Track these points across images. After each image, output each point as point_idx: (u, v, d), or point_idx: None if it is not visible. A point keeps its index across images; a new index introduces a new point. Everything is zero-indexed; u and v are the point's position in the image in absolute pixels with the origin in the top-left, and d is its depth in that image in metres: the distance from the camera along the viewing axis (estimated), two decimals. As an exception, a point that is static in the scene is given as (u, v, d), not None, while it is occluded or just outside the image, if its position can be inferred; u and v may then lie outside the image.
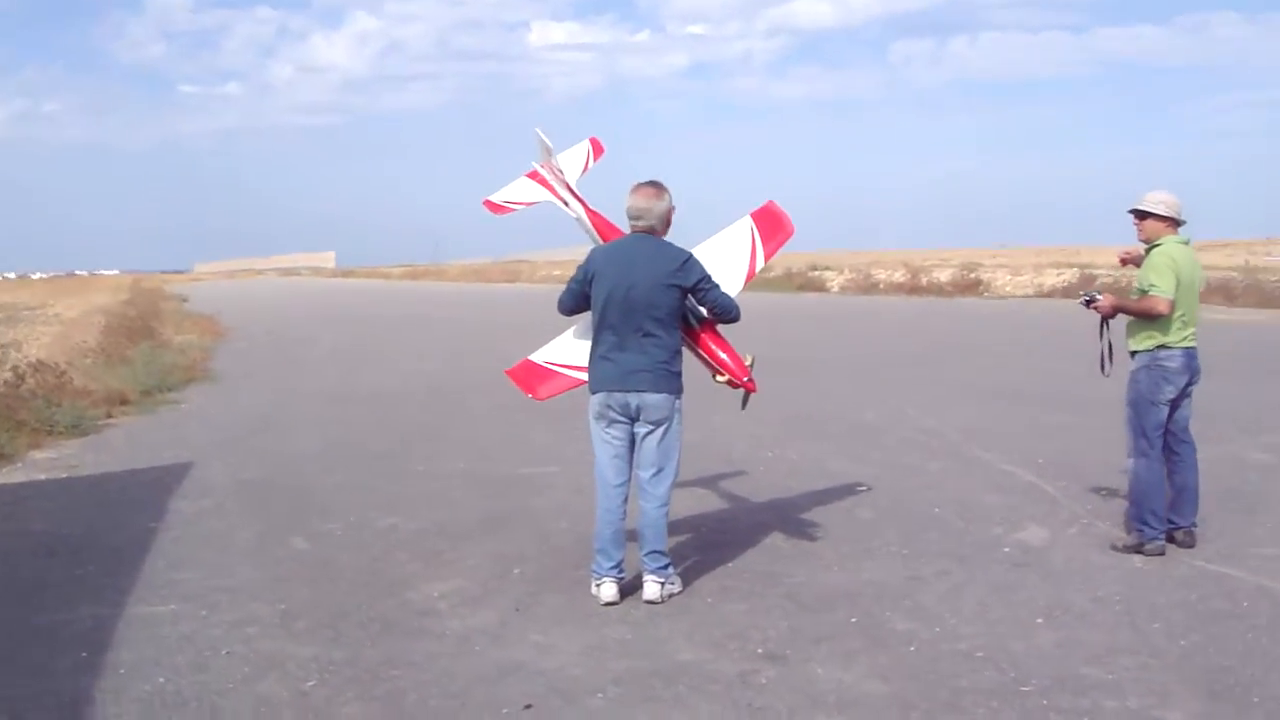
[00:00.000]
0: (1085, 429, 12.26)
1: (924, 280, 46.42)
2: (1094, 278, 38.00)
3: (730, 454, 11.11)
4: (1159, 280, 7.38)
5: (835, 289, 50.02)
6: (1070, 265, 45.36)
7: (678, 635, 6.27)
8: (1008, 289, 42.12)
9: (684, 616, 6.57)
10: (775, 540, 8.14)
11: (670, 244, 6.89)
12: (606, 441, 6.86)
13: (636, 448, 6.86)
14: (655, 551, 6.88)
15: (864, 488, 9.65)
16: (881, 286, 48.20)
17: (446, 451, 11.74)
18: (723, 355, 7.12)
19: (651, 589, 6.82)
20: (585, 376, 7.02)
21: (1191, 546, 7.62)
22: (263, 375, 19.51)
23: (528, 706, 5.36)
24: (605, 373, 6.74)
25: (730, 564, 7.57)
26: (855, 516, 8.74)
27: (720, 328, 7.20)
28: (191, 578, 7.49)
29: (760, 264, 7.88)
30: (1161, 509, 7.52)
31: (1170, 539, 7.58)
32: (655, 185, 6.88)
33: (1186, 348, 7.52)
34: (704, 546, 7.97)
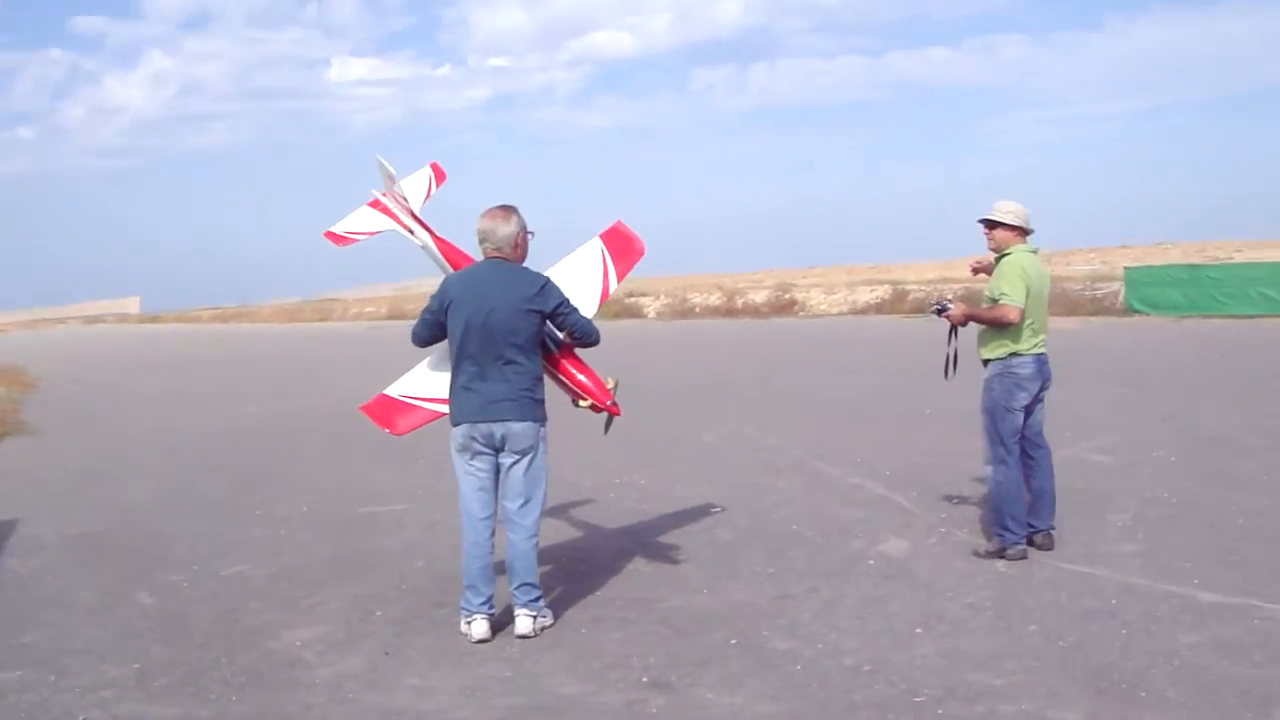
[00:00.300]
0: (923, 440, 12.45)
1: (739, 302, 46.90)
2: (907, 292, 38.99)
3: (578, 483, 10.90)
4: (1009, 289, 7.47)
5: (652, 314, 50.21)
6: (881, 282, 46.29)
7: (558, 669, 6.07)
8: (823, 307, 42.78)
9: (560, 649, 6.37)
10: (639, 566, 7.99)
11: (526, 269, 6.72)
12: (471, 474, 6.63)
13: (502, 478, 6.66)
14: (526, 584, 6.66)
15: (718, 509, 9.57)
16: (698, 310, 48.49)
17: (285, 494, 11.28)
18: (584, 379, 6.96)
19: (524, 623, 6.60)
20: (444, 409, 6.82)
21: (1050, 549, 7.72)
22: (81, 425, 18.52)
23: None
24: (468, 404, 6.53)
25: (598, 592, 7.39)
26: (715, 538, 8.64)
27: (579, 352, 7.04)
28: (35, 641, 6.98)
29: (614, 285, 7.75)
30: (1021, 514, 7.61)
31: (1030, 542, 7.66)
32: (504, 208, 6.69)
33: (1038, 354, 7.65)
34: (568, 576, 7.78)
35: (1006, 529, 7.57)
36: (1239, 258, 37.21)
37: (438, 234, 7.71)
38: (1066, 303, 31.16)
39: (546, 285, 6.62)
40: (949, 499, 9.36)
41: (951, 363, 8.12)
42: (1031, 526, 7.70)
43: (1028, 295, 7.49)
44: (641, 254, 7.96)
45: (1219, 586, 6.86)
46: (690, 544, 8.47)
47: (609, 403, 6.97)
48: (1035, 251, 7.74)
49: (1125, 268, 31.87)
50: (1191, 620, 6.31)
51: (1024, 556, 7.53)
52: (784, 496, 9.96)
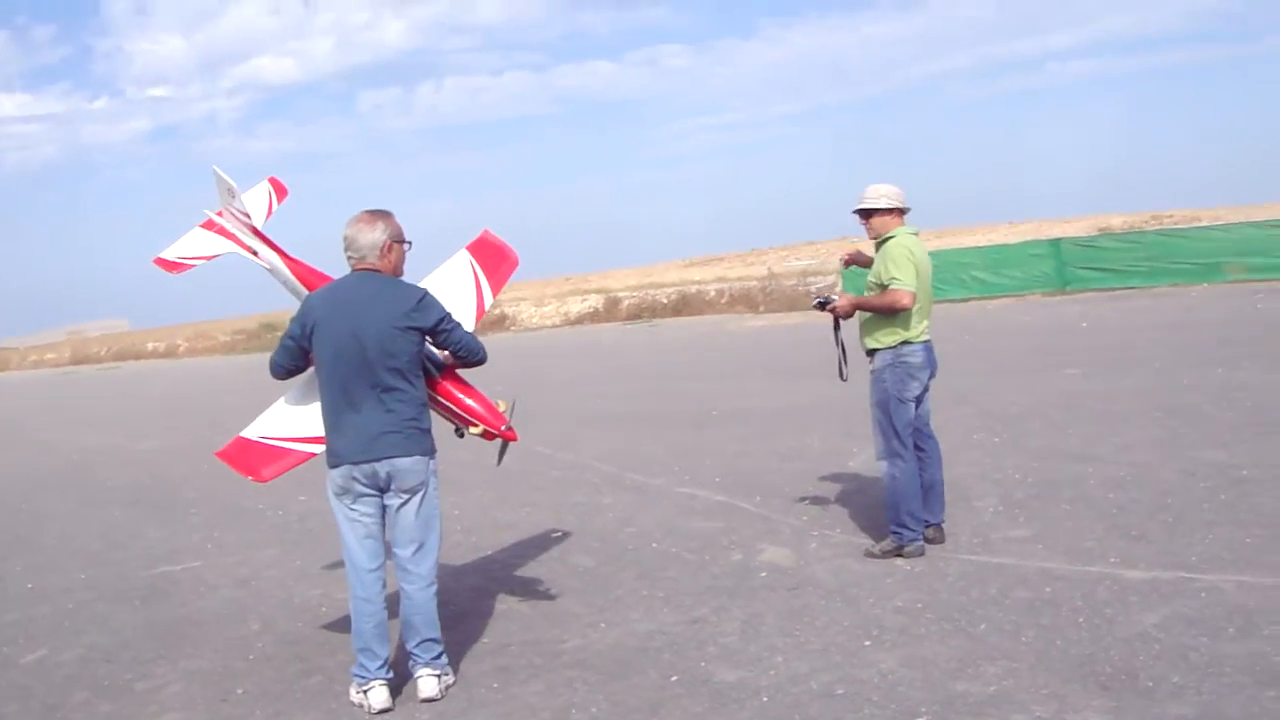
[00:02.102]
0: (729, 442, 12.09)
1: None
2: (620, 300, 38.94)
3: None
4: (900, 273, 7.06)
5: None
6: (589, 291, 46.26)
7: (492, 735, 5.24)
8: (535, 320, 42.41)
9: (480, 710, 5.54)
10: (510, 605, 7.20)
11: (400, 281, 5.79)
12: (355, 520, 5.66)
13: (390, 522, 5.72)
14: (428, 640, 5.74)
15: (559, 533, 8.86)
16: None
17: (49, 561, 9.86)
18: (472, 403, 6.17)
19: (429, 684, 5.69)
20: (313, 449, 5.96)
21: (942, 542, 7.40)
22: None
23: None
24: (345, 443, 5.58)
25: (483, 639, 6.57)
26: (575, 565, 7.93)
27: (461, 373, 6.22)
28: None
29: (489, 300, 7.04)
30: (919, 509, 7.21)
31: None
32: (371, 213, 5.77)
33: (926, 341, 7.29)
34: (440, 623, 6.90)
35: (904, 526, 7.16)
36: (936, 244, 38.73)
37: (287, 253, 6.74)
38: (786, 299, 31.70)
39: (425, 298, 5.71)
40: (799, 500, 8.96)
41: (843, 360, 7.65)
42: (925, 521, 7.30)
43: (917, 278, 7.09)
44: (515, 264, 7.31)
45: (1139, 563, 6.65)
46: (552, 574, 7.74)
47: (503, 428, 6.18)
48: (916, 233, 7.34)
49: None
50: (1138, 601, 6.03)
51: (922, 553, 7.16)
52: (622, 513, 9.32)
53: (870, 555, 7.25)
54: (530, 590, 7.42)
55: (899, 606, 6.33)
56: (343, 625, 6.56)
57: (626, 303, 39.47)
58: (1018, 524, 7.72)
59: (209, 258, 7.25)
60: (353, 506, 5.65)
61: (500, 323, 43.27)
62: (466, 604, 7.26)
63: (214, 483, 12.47)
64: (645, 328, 34.44)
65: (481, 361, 5.98)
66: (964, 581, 6.63)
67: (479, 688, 5.80)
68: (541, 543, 8.63)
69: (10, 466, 17.01)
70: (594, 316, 39.57)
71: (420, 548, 5.73)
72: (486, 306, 7.04)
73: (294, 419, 6.11)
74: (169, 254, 7.30)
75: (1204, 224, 33.98)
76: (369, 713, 5.59)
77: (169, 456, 15.90)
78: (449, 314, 5.81)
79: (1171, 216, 49.00)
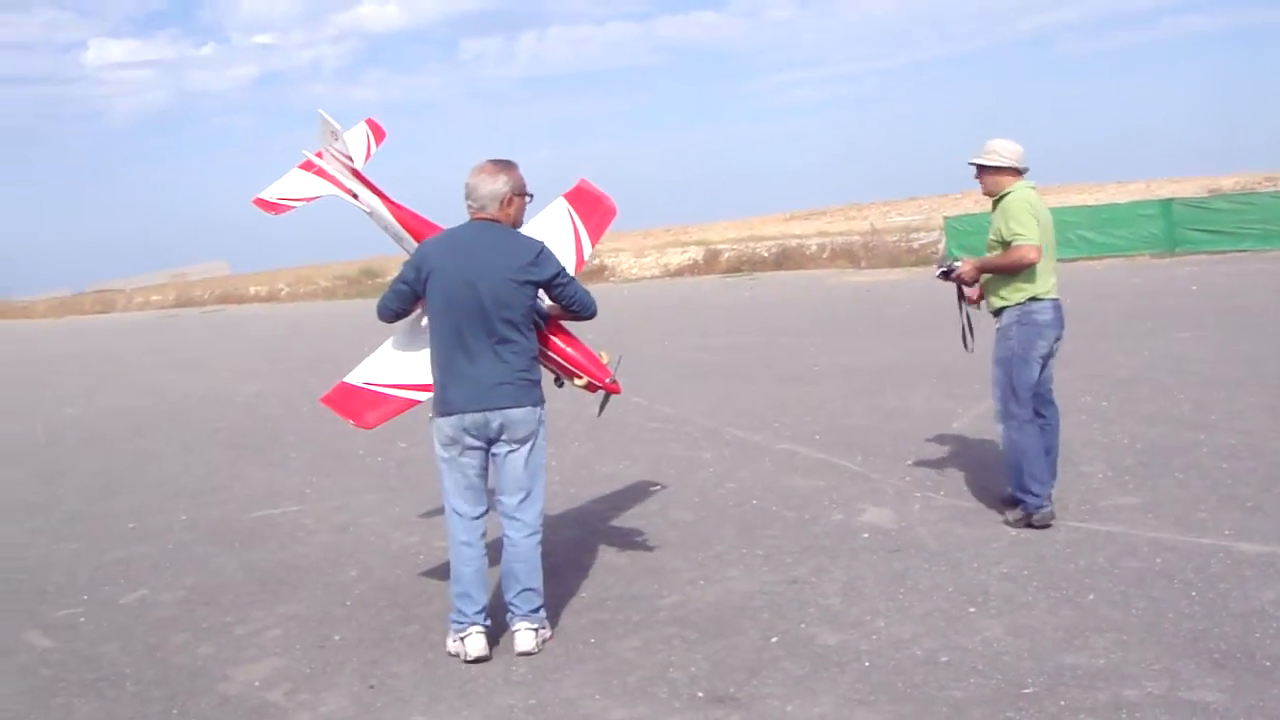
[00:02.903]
0: (830, 399, 11.98)
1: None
2: (720, 253, 38.72)
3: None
4: (1022, 228, 6.85)
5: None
6: (689, 243, 46.03)
7: (590, 690, 5.21)
8: (635, 271, 42.33)
9: (579, 666, 5.51)
10: (609, 558, 7.18)
11: (518, 233, 5.79)
12: (460, 471, 5.67)
13: (497, 471, 5.74)
14: (529, 590, 5.73)
15: (658, 486, 8.83)
16: (505, 282, 47.58)
17: (151, 501, 10.04)
18: (578, 355, 6.17)
19: (526, 638, 5.67)
20: (418, 395, 6.02)
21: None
22: None
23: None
24: (458, 392, 5.59)
25: (582, 593, 6.55)
26: (675, 519, 7.90)
27: (568, 325, 6.23)
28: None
29: (588, 250, 6.98)
30: (1044, 473, 6.98)
31: None
32: (495, 162, 5.75)
33: (1055, 299, 7.01)
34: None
35: (1029, 492, 6.89)
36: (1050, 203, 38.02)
37: (389, 196, 6.72)
38: (888, 254, 31.34)
39: (543, 252, 5.69)
40: (900, 461, 8.83)
41: (968, 330, 7.48)
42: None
43: (1040, 232, 6.89)
44: (613, 213, 7.23)
45: (1254, 536, 6.46)
46: (651, 528, 7.71)
47: (608, 380, 6.19)
48: (1034, 188, 7.11)
49: (945, 217, 32.12)
50: (1254, 576, 5.85)
51: (1052, 519, 6.92)
52: (722, 469, 9.26)
53: (1007, 524, 6.98)
54: (629, 544, 7.39)
55: (1004, 573, 6.21)
56: (441, 574, 6.63)
57: (726, 255, 39.26)
58: (1127, 491, 7.53)
59: (309, 199, 7.22)
60: (460, 458, 5.66)
61: (599, 273, 43.30)
62: (564, 556, 7.24)
63: (314, 427, 12.62)
64: (745, 281, 34.26)
65: (593, 315, 5.98)
66: (1072, 549, 6.49)
67: (576, 642, 5.78)
68: (640, 496, 8.60)
69: (116, 407, 17.36)
70: (693, 269, 39.43)
71: (527, 496, 5.75)
72: (586, 256, 6.97)
73: (399, 366, 6.15)
74: (268, 194, 7.27)
75: (1322, 185, 32.93)
76: (465, 659, 5.59)
77: (270, 400, 16.13)
78: (565, 268, 5.80)
79: (1288, 177, 47.48)
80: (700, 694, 5.05)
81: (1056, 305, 7.01)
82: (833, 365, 14.56)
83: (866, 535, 7.14)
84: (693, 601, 6.23)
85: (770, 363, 15.33)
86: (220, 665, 5.95)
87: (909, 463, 8.76)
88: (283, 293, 53.49)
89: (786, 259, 36.20)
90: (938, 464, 8.63)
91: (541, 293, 5.80)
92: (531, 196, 5.86)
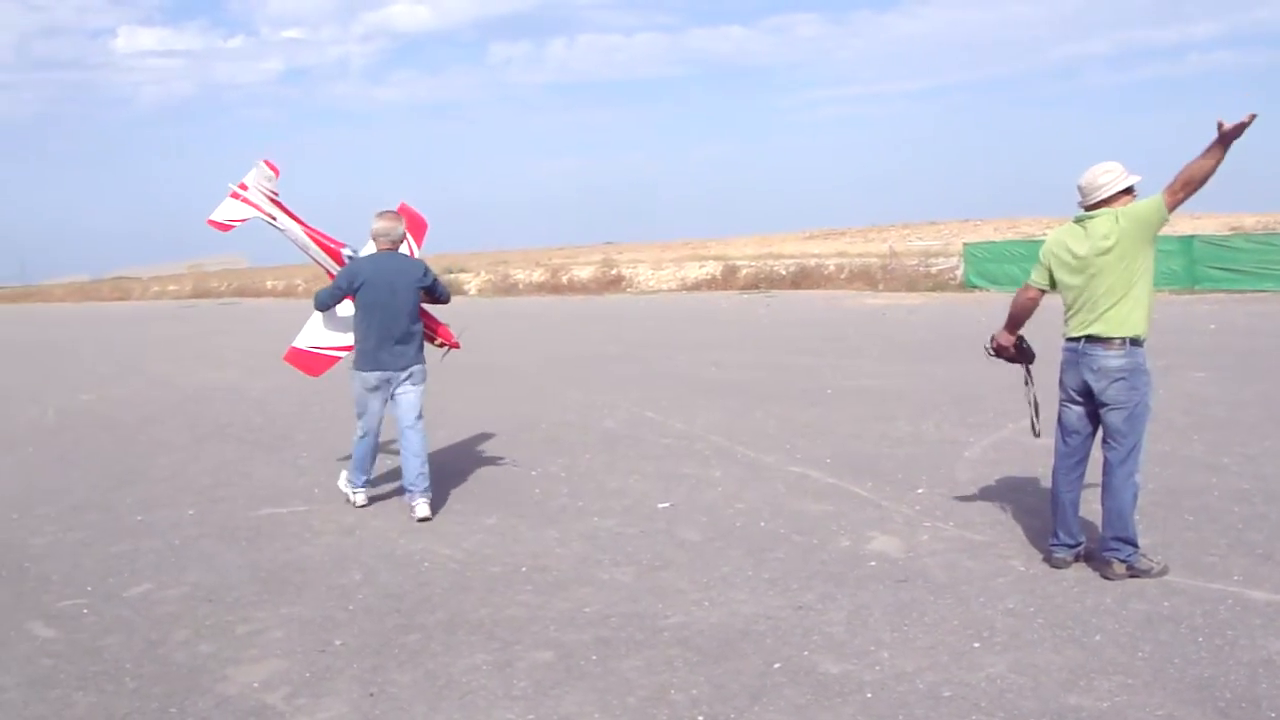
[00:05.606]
0: (843, 422, 11.93)
1: (564, 279, 46.21)
2: (738, 269, 38.73)
3: (488, 473, 10.11)
4: (1033, 268, 6.84)
5: (473, 291, 49.08)
6: (704, 258, 46.06)
7: (589, 708, 5.20)
8: (651, 284, 42.36)
9: (578, 683, 5.50)
10: (613, 574, 7.17)
11: (410, 257, 9.01)
12: (376, 401, 8.76)
13: (398, 402, 8.73)
14: (422, 473, 8.67)
15: (665, 504, 8.80)
16: (521, 287, 47.69)
17: (160, 494, 10.06)
18: (442, 326, 9.50)
19: (423, 507, 8.59)
20: (342, 354, 9.26)
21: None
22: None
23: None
24: (381, 358, 8.61)
25: (586, 609, 6.53)
26: (682, 539, 7.87)
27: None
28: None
29: (418, 255, 9.56)
30: (1059, 519, 6.91)
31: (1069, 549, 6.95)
32: (393, 213, 8.87)
33: (1074, 338, 6.68)
34: (538, 589, 6.92)
35: (1135, 542, 6.67)
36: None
37: (304, 221, 9.35)
38: (905, 278, 31.30)
39: (427, 269, 8.89)
40: (910, 488, 8.81)
41: (1035, 413, 7.37)
42: (1074, 537, 6.96)
43: (1045, 272, 6.80)
44: (427, 226, 10.09)
45: (1264, 583, 6.41)
46: (658, 547, 7.69)
47: (454, 340, 9.64)
48: (1078, 220, 6.69)
49: (965, 244, 32.08)
50: (1262, 624, 5.81)
51: (1064, 565, 6.83)
52: (729, 489, 9.24)
53: (1130, 574, 6.59)
54: (635, 561, 7.39)
55: (1010, 609, 6.18)
56: (446, 583, 6.74)
57: (744, 271, 39.27)
58: (1137, 531, 7.46)
59: (242, 221, 9.39)
60: (377, 393, 8.70)
61: (616, 283, 43.36)
62: (569, 570, 7.24)
63: (324, 426, 12.66)
64: (762, 298, 34.24)
65: (449, 302, 9.22)
66: (1079, 589, 6.46)
67: (578, 659, 5.77)
68: (648, 513, 8.59)
69: (128, 396, 17.41)
70: (711, 283, 39.47)
71: (419, 417, 8.78)
72: (417, 257, 9.46)
73: (328, 335, 9.30)
74: (218, 216, 9.40)
75: (1345, 228, 32.79)
76: (356, 506, 9.07)
77: (282, 396, 16.14)
78: (436, 275, 8.95)
79: (1310, 219, 47.38)
80: (700, 717, 5.04)
81: (1071, 347, 6.68)
82: (846, 388, 14.53)
83: (874, 563, 7.12)
84: (697, 623, 6.21)
85: (784, 382, 15.30)
86: (220, 664, 5.95)
87: (919, 491, 8.74)
88: (300, 288, 53.64)
89: (804, 278, 36.22)
90: (948, 494, 8.61)
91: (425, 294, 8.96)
92: (405, 235, 9.07)
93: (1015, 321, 7.05)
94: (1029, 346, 7.26)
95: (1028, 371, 7.34)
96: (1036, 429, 7.41)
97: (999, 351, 7.22)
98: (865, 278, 34.11)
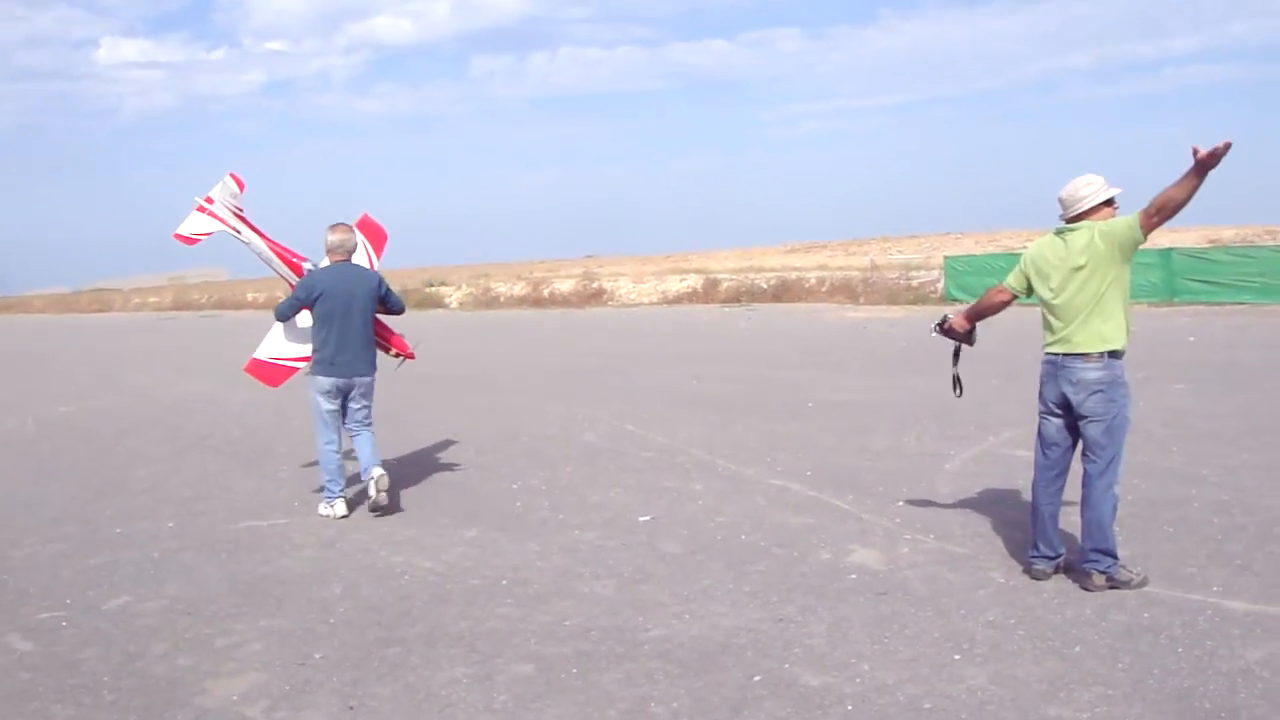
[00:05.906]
0: (823, 435, 11.93)
1: (546, 292, 46.20)
2: (719, 282, 38.78)
3: (468, 486, 10.09)
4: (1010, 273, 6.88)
5: (455, 305, 49.02)
6: (689, 271, 46.13)
7: (571, 721, 5.19)
8: (632, 297, 42.38)
9: (559, 696, 5.49)
10: (594, 587, 7.15)
11: (366, 269, 9.47)
12: (333, 407, 9.17)
13: (353, 411, 9.23)
14: (377, 462, 9.12)
15: (646, 517, 8.79)
16: (503, 300, 47.67)
17: (139, 506, 10.02)
18: (396, 336, 9.87)
19: (383, 479, 9.02)
20: (300, 365, 9.43)
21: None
22: None
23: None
24: (338, 366, 9.03)
25: (566, 622, 6.51)
26: (663, 552, 7.86)
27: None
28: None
29: (377, 264, 10.08)
30: (1040, 532, 6.93)
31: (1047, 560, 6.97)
32: (347, 226, 9.31)
33: (1052, 354, 6.73)
34: (522, 601, 6.90)
35: (1115, 554, 6.67)
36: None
37: (266, 234, 9.69)
38: (886, 291, 31.37)
39: (381, 280, 9.31)
40: (891, 501, 8.82)
41: (957, 380, 7.47)
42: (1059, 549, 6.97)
43: (1019, 279, 6.84)
44: (387, 238, 10.48)
45: (1242, 594, 6.44)
46: (639, 560, 7.68)
47: (409, 352, 10.02)
48: (1059, 232, 6.72)
49: (945, 257, 32.18)
50: (1241, 635, 5.82)
51: (1044, 576, 6.85)
52: (711, 502, 9.23)
53: (1111, 586, 6.59)
54: (615, 574, 7.37)
55: (990, 620, 6.19)
56: (426, 595, 6.71)
57: (725, 285, 39.33)
58: (1116, 543, 7.48)
59: (208, 234, 9.68)
60: (334, 400, 9.14)
61: (597, 297, 43.36)
62: (550, 583, 7.23)
63: (304, 439, 12.57)
64: (743, 311, 34.28)
65: (403, 313, 9.64)
66: (1059, 600, 6.47)
67: (558, 672, 5.76)
68: (629, 526, 8.58)
69: (108, 407, 17.35)
70: (692, 296, 39.53)
71: (366, 421, 9.32)
72: (377, 267, 10.00)
73: (287, 347, 9.60)
74: (184, 230, 9.70)
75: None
76: (334, 518, 9.09)
77: (261, 409, 16.08)
78: (390, 286, 9.39)
79: (1287, 231, 47.68)
80: (681, 731, 5.01)
81: (1050, 360, 6.71)
82: (827, 401, 14.56)
83: (854, 576, 7.12)
84: (677, 636, 6.20)
85: (765, 395, 15.32)
86: (199, 677, 5.92)
87: (899, 504, 8.75)
88: (280, 301, 53.39)
89: (785, 291, 36.29)
90: (928, 506, 8.62)
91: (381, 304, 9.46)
92: (362, 245, 9.73)
93: (977, 314, 7.11)
94: (974, 331, 7.34)
95: (959, 349, 7.45)
96: (958, 392, 7.69)
97: (948, 332, 7.24)
98: (846, 291, 34.19)
